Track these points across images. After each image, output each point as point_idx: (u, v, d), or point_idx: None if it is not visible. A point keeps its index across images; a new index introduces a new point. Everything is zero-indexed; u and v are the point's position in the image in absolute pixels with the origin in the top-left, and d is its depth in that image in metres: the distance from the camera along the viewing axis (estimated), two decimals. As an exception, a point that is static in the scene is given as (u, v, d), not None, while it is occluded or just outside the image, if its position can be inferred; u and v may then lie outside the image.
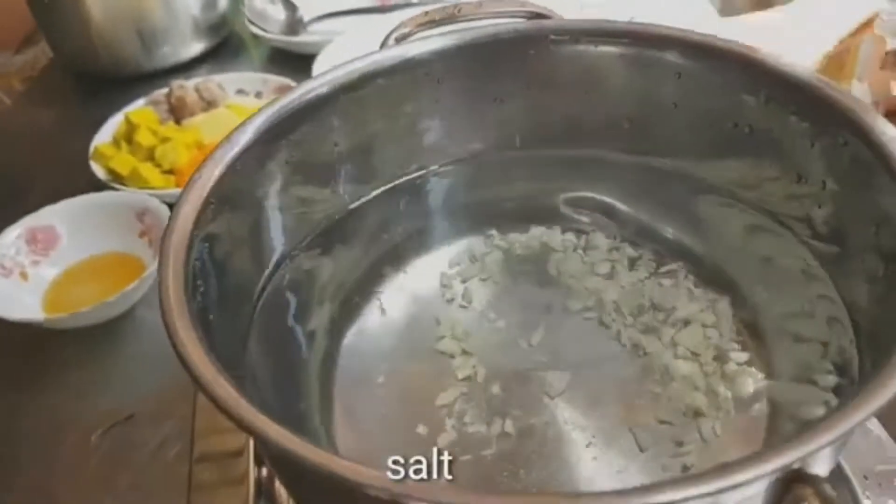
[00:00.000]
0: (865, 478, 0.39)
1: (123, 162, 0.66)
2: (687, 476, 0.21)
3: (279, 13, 0.90)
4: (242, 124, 0.36)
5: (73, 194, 0.60)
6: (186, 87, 0.73)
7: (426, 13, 0.44)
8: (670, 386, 0.39)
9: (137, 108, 0.72)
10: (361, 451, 0.37)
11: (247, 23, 0.89)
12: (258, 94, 0.77)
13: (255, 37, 0.89)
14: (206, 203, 0.33)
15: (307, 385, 0.40)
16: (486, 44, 0.42)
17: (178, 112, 0.72)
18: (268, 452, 0.31)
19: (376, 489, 0.22)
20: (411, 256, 0.46)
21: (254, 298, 0.38)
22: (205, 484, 0.42)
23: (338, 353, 0.42)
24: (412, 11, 0.45)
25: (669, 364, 0.40)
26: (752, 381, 0.38)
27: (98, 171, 0.66)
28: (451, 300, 0.45)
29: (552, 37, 0.42)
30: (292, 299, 0.41)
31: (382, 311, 0.44)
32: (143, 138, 0.67)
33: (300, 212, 0.41)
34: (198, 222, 0.32)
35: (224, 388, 0.25)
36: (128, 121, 0.69)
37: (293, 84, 0.73)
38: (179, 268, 0.30)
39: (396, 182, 0.45)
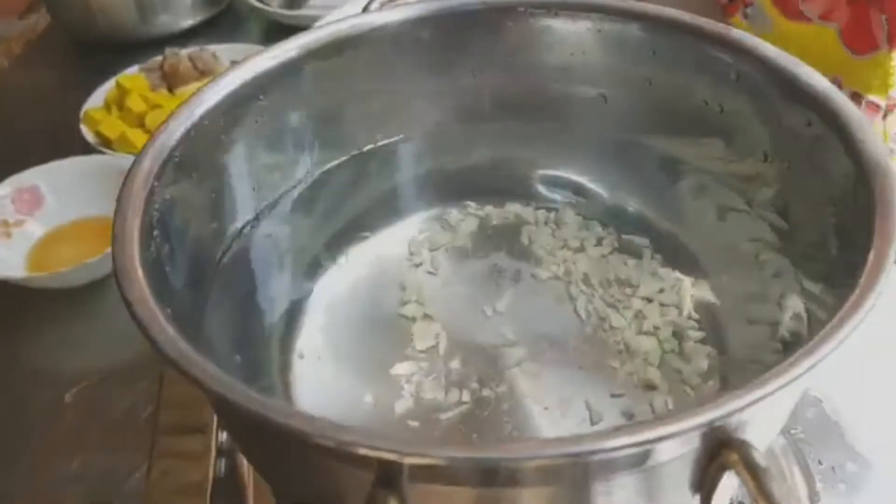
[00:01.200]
0: (819, 462, 0.40)
1: (112, 126, 0.66)
2: (604, 430, 0.21)
3: (280, -14, 0.90)
4: (211, 82, 0.36)
5: (63, 157, 0.61)
6: (180, 55, 0.74)
7: (410, -19, 0.43)
8: (629, 361, 0.39)
9: (130, 74, 0.73)
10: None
11: (247, -6, 0.89)
12: (252, 66, 0.77)
13: (255, 9, 0.89)
14: (170, 156, 0.33)
15: (267, 350, 0.40)
16: (461, 14, 0.42)
17: (170, 80, 0.73)
18: (213, 403, 0.31)
19: (322, 437, 0.22)
20: (380, 224, 0.46)
21: (215, 261, 0.38)
22: (169, 452, 0.42)
23: (300, 318, 0.42)
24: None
25: (630, 339, 0.40)
26: (707, 359, 0.38)
27: (87, 134, 0.66)
28: (418, 265, 0.45)
29: (529, 10, 0.42)
30: (255, 264, 0.41)
31: (346, 276, 0.44)
32: (134, 104, 0.68)
33: (266, 175, 0.41)
34: (159, 174, 0.32)
35: (174, 343, 0.25)
36: (119, 86, 0.70)
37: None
38: (136, 213, 0.30)
39: (365, 149, 0.44)
